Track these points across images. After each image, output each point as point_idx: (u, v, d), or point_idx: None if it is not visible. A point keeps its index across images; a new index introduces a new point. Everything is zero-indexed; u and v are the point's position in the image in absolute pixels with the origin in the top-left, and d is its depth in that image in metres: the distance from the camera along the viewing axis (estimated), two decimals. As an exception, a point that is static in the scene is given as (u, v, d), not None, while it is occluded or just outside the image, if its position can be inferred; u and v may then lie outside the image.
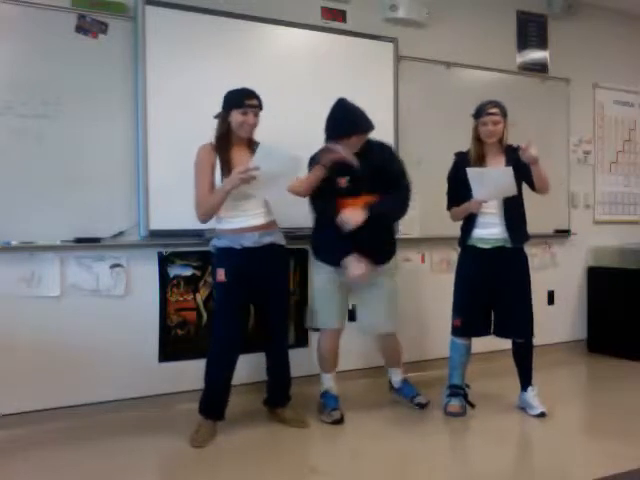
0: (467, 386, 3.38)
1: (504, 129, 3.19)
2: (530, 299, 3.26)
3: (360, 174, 3.01)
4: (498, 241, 3.20)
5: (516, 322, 3.22)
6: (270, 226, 2.98)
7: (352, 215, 2.97)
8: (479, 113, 3.20)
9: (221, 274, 2.91)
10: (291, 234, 3.33)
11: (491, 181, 3.07)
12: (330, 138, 3.04)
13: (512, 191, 3.08)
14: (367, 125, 3.03)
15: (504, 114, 3.20)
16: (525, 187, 3.24)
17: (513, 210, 3.20)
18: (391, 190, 3.08)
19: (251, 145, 2.97)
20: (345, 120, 3.01)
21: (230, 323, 2.92)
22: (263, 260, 2.93)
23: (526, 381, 3.32)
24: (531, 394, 3.30)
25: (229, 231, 2.92)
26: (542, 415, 3.23)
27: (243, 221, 2.91)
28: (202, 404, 2.95)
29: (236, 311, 2.93)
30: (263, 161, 2.74)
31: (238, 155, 2.92)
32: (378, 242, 3.14)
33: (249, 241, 2.90)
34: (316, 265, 3.22)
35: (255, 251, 2.91)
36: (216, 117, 2.95)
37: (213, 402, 2.94)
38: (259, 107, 2.92)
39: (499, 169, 3.12)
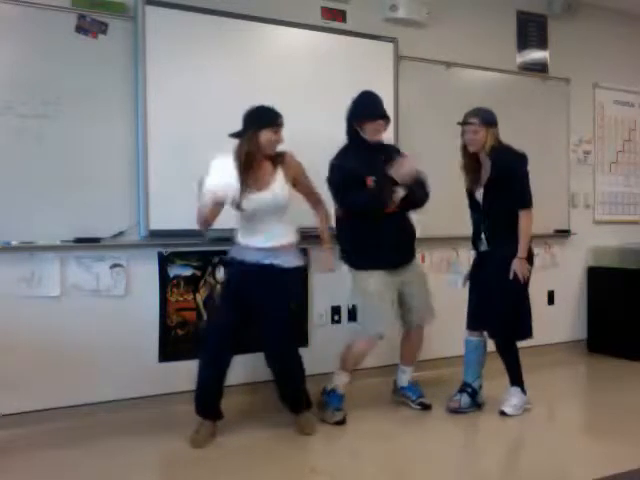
0: (480, 387, 3.38)
1: (487, 137, 3.17)
2: (509, 301, 3.20)
3: (385, 173, 3.08)
4: (483, 244, 3.30)
5: (486, 317, 3.25)
6: (277, 249, 2.91)
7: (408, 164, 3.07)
8: (462, 121, 3.24)
9: (223, 277, 2.99)
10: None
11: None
12: (361, 119, 3.14)
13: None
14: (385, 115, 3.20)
15: (486, 123, 3.18)
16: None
17: (495, 219, 3.23)
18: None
19: (275, 157, 2.96)
20: (374, 104, 3.16)
21: (218, 324, 2.95)
22: (261, 276, 2.89)
23: (510, 377, 3.31)
24: (512, 391, 3.30)
25: (245, 247, 2.94)
26: (501, 413, 3.24)
27: (255, 241, 2.91)
28: (196, 404, 2.95)
29: (226, 315, 2.93)
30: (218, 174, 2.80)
31: (264, 168, 2.91)
32: (409, 238, 3.27)
33: (251, 257, 2.91)
34: (363, 275, 3.18)
35: (255, 266, 2.89)
36: (234, 136, 2.90)
37: (205, 401, 2.94)
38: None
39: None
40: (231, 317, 2.92)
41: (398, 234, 3.18)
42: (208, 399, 2.94)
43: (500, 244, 3.22)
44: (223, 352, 2.93)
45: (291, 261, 2.96)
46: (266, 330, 2.95)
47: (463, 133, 3.24)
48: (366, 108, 3.16)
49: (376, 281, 3.16)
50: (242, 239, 2.95)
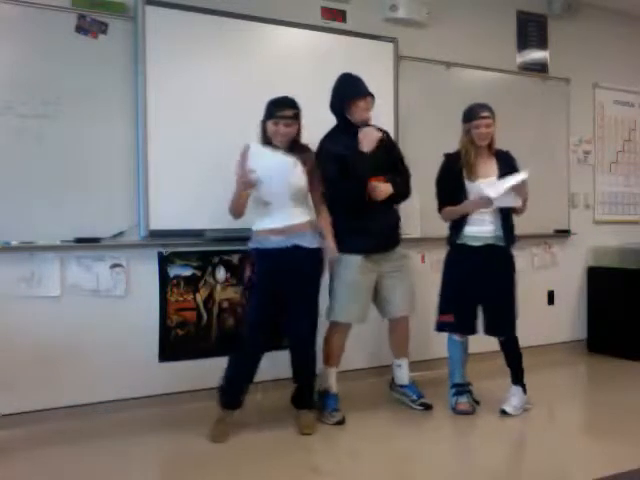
0: (469, 384, 3.38)
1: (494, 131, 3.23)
2: (515, 298, 3.28)
3: (366, 157, 3.11)
4: (489, 239, 3.24)
5: (505, 321, 3.25)
6: (299, 228, 2.98)
7: (382, 187, 3.10)
8: (470, 117, 3.23)
9: (249, 271, 3.02)
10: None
11: (508, 192, 3.11)
12: (343, 101, 3.16)
13: (517, 202, 3.17)
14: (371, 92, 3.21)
15: (494, 117, 3.23)
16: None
17: (506, 210, 3.24)
18: (393, 172, 3.21)
19: (295, 150, 3.00)
20: (358, 83, 3.17)
21: (255, 320, 2.99)
22: (288, 262, 2.94)
23: (515, 377, 3.33)
24: (514, 390, 3.32)
25: (259, 232, 2.99)
26: (502, 412, 3.25)
27: (270, 223, 2.95)
28: (222, 398, 2.99)
29: (262, 308, 2.97)
30: (256, 162, 2.82)
31: None
32: (393, 225, 3.27)
33: (274, 243, 2.95)
34: (342, 258, 3.16)
35: (281, 252, 2.95)
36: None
37: (233, 395, 2.98)
38: (292, 117, 2.94)
39: (518, 178, 3.15)
40: (268, 312, 2.98)
41: (381, 222, 3.16)
42: (236, 393, 2.98)
43: (510, 235, 3.25)
44: (260, 349, 2.98)
45: (313, 242, 3.03)
46: (294, 315, 3.01)
47: (473, 129, 3.21)
48: (352, 87, 3.18)
49: (353, 267, 3.15)
50: (260, 225, 2.98)
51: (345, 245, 3.16)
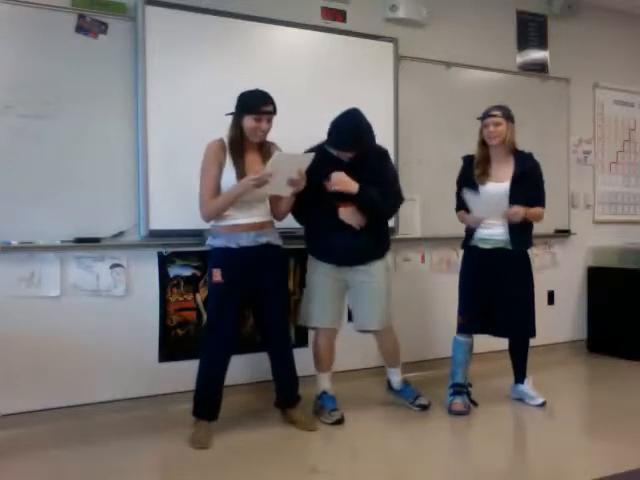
0: (469, 385, 3.38)
1: (507, 131, 3.22)
2: (531, 300, 3.31)
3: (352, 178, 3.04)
4: (498, 242, 3.24)
5: (516, 323, 3.26)
6: (266, 226, 2.97)
7: (344, 181, 3.00)
8: (482, 116, 3.27)
9: (217, 274, 2.91)
10: (291, 234, 3.33)
11: (486, 201, 3.17)
12: (331, 146, 3.10)
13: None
14: (369, 143, 3.09)
15: (507, 117, 3.23)
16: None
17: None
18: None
19: (263, 148, 2.97)
20: (351, 135, 3.03)
21: (225, 323, 2.92)
22: (259, 260, 2.93)
23: (522, 374, 3.42)
24: (528, 385, 3.41)
25: (226, 228, 2.92)
26: (543, 405, 3.33)
27: (239, 218, 2.90)
28: (197, 405, 2.95)
29: (232, 311, 2.93)
30: (278, 167, 2.74)
31: (251, 159, 2.93)
32: (371, 238, 3.14)
33: (245, 240, 2.90)
34: (312, 263, 3.22)
35: (251, 250, 2.90)
36: (229, 115, 2.94)
37: (208, 402, 2.94)
38: (273, 113, 2.89)
39: (493, 190, 3.19)
40: (234, 315, 2.94)
41: (354, 237, 3.06)
42: (212, 400, 2.93)
43: (520, 239, 3.24)
44: (228, 352, 2.95)
45: (278, 238, 3.03)
46: (269, 313, 3.02)
47: (483, 128, 3.25)
48: (332, 138, 3.09)
49: (320, 274, 3.16)
50: (228, 221, 2.90)
51: (314, 250, 3.20)
